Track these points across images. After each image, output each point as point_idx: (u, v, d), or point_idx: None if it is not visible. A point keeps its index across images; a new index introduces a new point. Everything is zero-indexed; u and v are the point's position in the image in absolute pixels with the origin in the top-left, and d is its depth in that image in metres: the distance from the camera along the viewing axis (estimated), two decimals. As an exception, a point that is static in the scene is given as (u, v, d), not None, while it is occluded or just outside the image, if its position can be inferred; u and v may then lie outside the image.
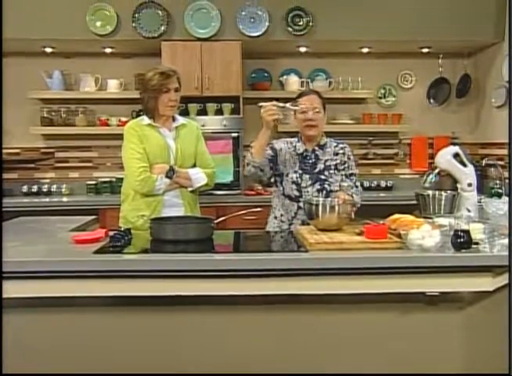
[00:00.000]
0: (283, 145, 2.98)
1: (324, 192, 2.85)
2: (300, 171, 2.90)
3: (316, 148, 2.95)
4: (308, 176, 2.88)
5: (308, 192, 2.86)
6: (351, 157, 3.00)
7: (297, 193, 2.88)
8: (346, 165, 2.96)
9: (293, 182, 2.88)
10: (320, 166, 2.92)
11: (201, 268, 2.03)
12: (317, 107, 2.88)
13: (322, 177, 2.89)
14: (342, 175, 2.94)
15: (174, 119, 2.98)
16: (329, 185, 2.88)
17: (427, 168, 4.97)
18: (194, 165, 2.98)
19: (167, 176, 2.83)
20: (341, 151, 2.97)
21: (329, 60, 5.08)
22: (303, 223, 2.80)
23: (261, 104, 2.74)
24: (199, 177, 2.93)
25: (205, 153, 3.04)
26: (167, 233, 2.31)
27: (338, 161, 2.95)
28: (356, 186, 2.94)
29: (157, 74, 2.83)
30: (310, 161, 2.92)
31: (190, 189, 2.93)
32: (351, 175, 2.97)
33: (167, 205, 2.88)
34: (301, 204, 2.81)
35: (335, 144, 2.99)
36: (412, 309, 2.18)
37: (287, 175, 2.91)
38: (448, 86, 5.14)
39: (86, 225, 2.99)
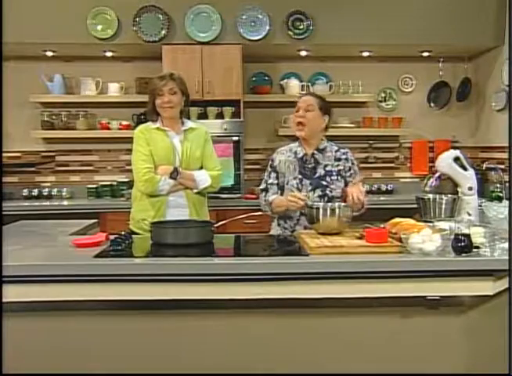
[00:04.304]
0: (282, 156, 2.94)
1: (326, 198, 2.81)
2: (300, 177, 2.86)
3: (315, 152, 2.89)
4: (308, 182, 2.85)
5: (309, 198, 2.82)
6: (355, 162, 2.95)
7: None
8: (352, 171, 2.90)
9: (293, 189, 2.82)
10: (320, 171, 2.87)
11: (202, 272, 2.03)
12: (311, 105, 2.85)
13: (324, 183, 2.84)
14: (348, 181, 2.86)
15: (183, 123, 3.04)
16: (330, 191, 2.83)
17: (428, 171, 4.98)
18: (201, 168, 3.02)
19: (171, 177, 2.88)
20: (344, 156, 2.90)
21: (330, 64, 5.08)
22: (305, 229, 2.78)
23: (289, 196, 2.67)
24: (203, 179, 2.97)
25: (212, 155, 3.08)
26: (167, 237, 2.32)
27: (341, 168, 2.88)
28: None
29: (156, 78, 2.97)
30: (309, 166, 2.88)
31: (195, 190, 2.96)
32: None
33: (172, 206, 2.93)
34: (304, 210, 2.81)
35: (336, 148, 2.93)
36: (412, 313, 2.18)
37: (287, 183, 2.87)
38: (448, 90, 5.15)
39: (87, 229, 3.00)
